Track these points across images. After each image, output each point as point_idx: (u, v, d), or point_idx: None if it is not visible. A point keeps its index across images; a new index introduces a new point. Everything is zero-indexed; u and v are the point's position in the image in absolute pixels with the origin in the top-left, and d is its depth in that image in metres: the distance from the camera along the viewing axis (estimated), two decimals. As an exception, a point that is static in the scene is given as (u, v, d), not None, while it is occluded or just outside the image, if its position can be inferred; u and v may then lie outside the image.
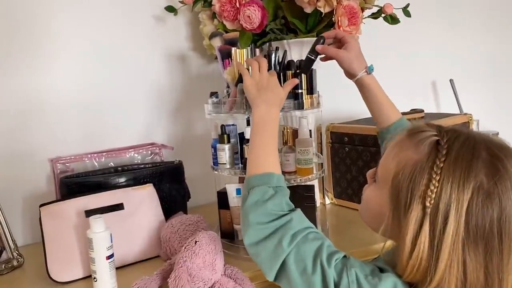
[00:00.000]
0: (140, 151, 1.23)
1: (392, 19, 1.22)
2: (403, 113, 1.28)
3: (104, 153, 1.19)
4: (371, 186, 0.72)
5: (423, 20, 1.77)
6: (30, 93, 1.15)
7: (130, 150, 1.23)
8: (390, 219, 0.62)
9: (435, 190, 0.57)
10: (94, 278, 0.85)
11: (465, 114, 1.29)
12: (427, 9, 1.76)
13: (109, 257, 0.85)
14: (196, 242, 0.84)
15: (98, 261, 0.84)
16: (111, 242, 0.85)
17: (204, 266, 0.83)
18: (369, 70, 0.94)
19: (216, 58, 1.31)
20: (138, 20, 1.27)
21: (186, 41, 1.34)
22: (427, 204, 0.57)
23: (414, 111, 1.29)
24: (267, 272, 0.67)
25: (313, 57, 0.94)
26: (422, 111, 1.30)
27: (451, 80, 1.87)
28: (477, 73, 1.98)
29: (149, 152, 1.25)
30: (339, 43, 0.97)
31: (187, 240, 0.89)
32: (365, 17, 1.23)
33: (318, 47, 0.94)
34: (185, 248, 0.84)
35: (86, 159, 1.17)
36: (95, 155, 1.18)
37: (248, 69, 0.91)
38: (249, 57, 0.98)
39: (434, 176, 0.58)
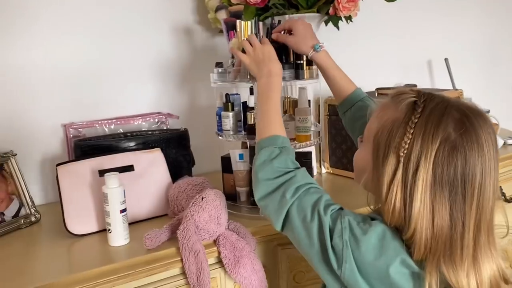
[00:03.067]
0: (148, 119, 1.30)
1: (389, -3, 1.28)
2: (397, 87, 1.35)
3: (114, 120, 1.26)
4: (359, 148, 0.80)
5: (422, 1, 1.83)
6: (46, 64, 1.21)
7: (137, 118, 1.30)
8: (371, 171, 0.71)
9: (408, 141, 0.65)
10: (109, 230, 0.93)
11: (456, 89, 1.36)
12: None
13: (122, 211, 0.92)
14: (203, 198, 0.92)
15: (112, 214, 0.92)
16: (124, 197, 0.93)
17: (210, 220, 0.91)
18: (316, 48, 0.99)
19: (220, 31, 1.37)
20: (145, -7, 1.33)
21: (191, 14, 1.40)
22: (401, 154, 0.65)
23: (408, 86, 1.36)
24: (275, 222, 0.76)
25: (275, 45, 0.98)
26: (415, 85, 1.37)
27: (446, 59, 1.94)
28: (471, 53, 2.05)
29: (156, 120, 1.31)
30: (290, 30, 1.03)
31: (194, 198, 0.97)
32: (364, -5, 1.29)
33: (273, 36, 1.02)
34: (192, 203, 0.92)
35: (97, 125, 1.24)
36: (105, 121, 1.25)
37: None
38: (253, 29, 1.05)
39: (408, 129, 0.66)
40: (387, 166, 0.67)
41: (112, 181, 0.91)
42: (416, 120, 0.66)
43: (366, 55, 1.72)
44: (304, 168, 0.79)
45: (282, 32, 1.04)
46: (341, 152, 1.34)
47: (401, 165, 0.65)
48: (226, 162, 1.13)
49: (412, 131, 0.65)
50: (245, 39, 0.99)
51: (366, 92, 1.33)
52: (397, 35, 1.81)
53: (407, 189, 0.65)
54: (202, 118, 1.41)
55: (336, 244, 0.68)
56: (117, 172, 0.93)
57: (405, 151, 0.65)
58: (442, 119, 0.65)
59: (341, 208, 0.73)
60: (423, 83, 1.94)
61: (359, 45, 1.69)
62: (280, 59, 0.95)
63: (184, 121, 1.38)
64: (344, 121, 1.05)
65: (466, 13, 2.01)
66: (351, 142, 1.30)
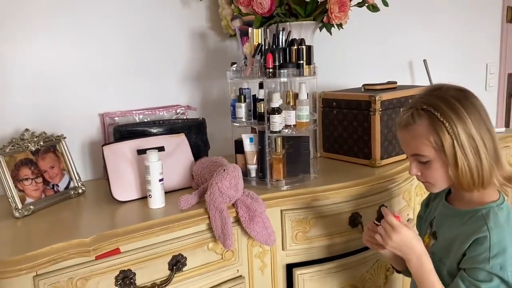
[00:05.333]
0: (170, 110, 1.53)
1: (373, 8, 1.53)
2: (380, 84, 1.60)
3: (142, 111, 1.49)
4: (429, 171, 0.96)
5: (404, 9, 2.09)
6: (86, 63, 1.43)
7: (161, 109, 1.53)
8: (456, 170, 0.92)
9: (450, 129, 0.91)
10: (149, 195, 1.16)
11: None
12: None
13: (160, 180, 1.16)
14: (224, 170, 1.16)
15: (153, 182, 1.15)
16: (162, 169, 1.16)
17: (230, 186, 1.14)
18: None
19: (230, 35, 1.62)
20: (167, 4, 1.56)
21: (206, 21, 1.63)
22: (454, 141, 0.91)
23: (389, 82, 1.61)
24: None
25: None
26: (395, 82, 1.61)
27: (424, 60, 2.20)
28: (447, 54, 2.32)
29: (176, 111, 1.55)
30: None
31: (215, 171, 1.20)
32: (352, 6, 1.53)
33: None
34: (216, 174, 1.16)
35: (128, 114, 1.47)
36: (135, 111, 1.48)
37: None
38: (262, 36, 1.28)
39: (445, 124, 0.91)
40: (447, 151, 0.92)
41: (153, 156, 1.14)
42: (439, 115, 0.91)
43: (354, 57, 1.98)
44: None
45: None
46: (333, 139, 1.58)
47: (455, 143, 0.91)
48: (238, 145, 1.36)
49: (447, 124, 0.90)
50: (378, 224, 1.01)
51: (353, 88, 1.57)
52: (381, 39, 2.07)
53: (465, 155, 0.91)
54: (214, 109, 1.65)
55: None
56: (156, 150, 1.16)
57: (457, 137, 0.90)
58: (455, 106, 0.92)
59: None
60: (405, 82, 2.21)
61: (348, 48, 1.93)
62: (281, 59, 1.19)
63: (198, 111, 1.62)
64: None
65: (442, 19, 2.29)
66: (341, 130, 1.55)
